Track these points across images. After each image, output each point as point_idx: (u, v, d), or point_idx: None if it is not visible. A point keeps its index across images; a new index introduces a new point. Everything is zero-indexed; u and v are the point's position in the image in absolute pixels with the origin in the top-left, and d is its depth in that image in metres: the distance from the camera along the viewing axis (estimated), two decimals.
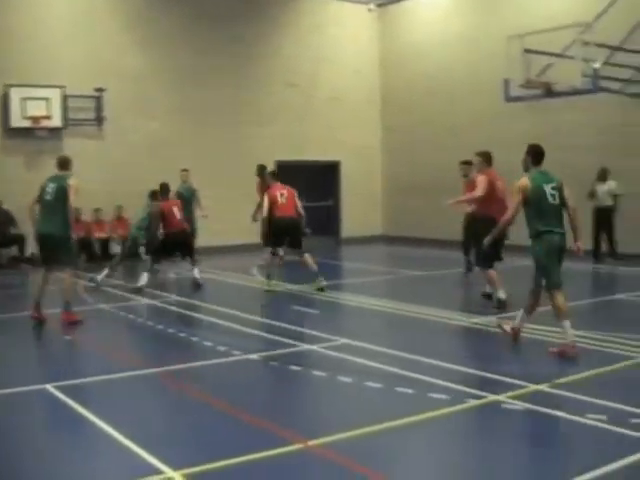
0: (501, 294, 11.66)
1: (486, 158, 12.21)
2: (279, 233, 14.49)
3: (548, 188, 8.71)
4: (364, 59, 25.29)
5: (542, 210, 8.71)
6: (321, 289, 14.04)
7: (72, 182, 11.14)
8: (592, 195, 17.23)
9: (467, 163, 14.72)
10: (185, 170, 19.26)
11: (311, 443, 6.09)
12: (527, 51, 15.51)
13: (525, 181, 8.81)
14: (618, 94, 17.11)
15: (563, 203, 8.89)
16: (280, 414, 7.09)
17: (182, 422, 6.97)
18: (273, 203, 14.36)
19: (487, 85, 19.88)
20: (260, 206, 16.16)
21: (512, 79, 15.95)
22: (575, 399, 7.18)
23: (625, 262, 16.98)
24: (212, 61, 21.99)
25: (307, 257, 14.45)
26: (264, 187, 16.61)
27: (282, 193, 14.46)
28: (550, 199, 8.70)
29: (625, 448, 5.87)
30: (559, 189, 8.81)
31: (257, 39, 22.89)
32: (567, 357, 8.66)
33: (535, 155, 8.93)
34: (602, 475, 5.38)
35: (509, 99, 16.61)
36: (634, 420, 6.41)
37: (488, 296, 12.37)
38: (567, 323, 8.74)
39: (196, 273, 15.04)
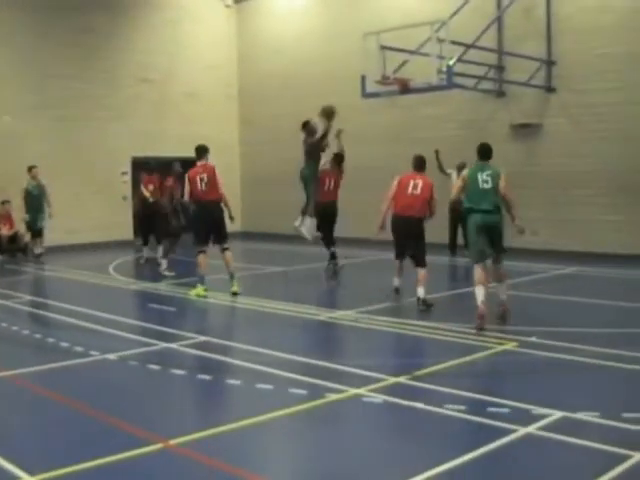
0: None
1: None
2: (204, 224, 13.12)
3: (482, 175, 10.11)
4: (221, 54, 25.18)
5: (471, 192, 10.18)
6: (235, 293, 13.00)
7: None
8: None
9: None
10: (34, 167, 18.70)
11: (172, 442, 5.94)
12: (383, 48, 15.64)
13: (466, 171, 10.59)
14: (472, 90, 17.53)
15: (497, 189, 10.17)
16: (139, 414, 6.91)
17: (40, 425, 6.71)
18: (193, 189, 13.02)
19: (345, 81, 19.97)
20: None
21: (369, 75, 16.02)
22: (434, 390, 7.26)
23: None
24: (61, 54, 21.33)
25: (229, 255, 13.20)
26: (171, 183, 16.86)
27: (202, 178, 13.05)
28: (481, 184, 10.09)
29: (483, 437, 5.97)
30: (493, 177, 10.10)
31: (108, 32, 22.35)
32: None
33: (480, 152, 10.41)
34: (461, 464, 5.43)
35: (366, 95, 16.68)
36: (491, 409, 6.52)
37: (424, 302, 11.29)
38: (502, 286, 10.33)
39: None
